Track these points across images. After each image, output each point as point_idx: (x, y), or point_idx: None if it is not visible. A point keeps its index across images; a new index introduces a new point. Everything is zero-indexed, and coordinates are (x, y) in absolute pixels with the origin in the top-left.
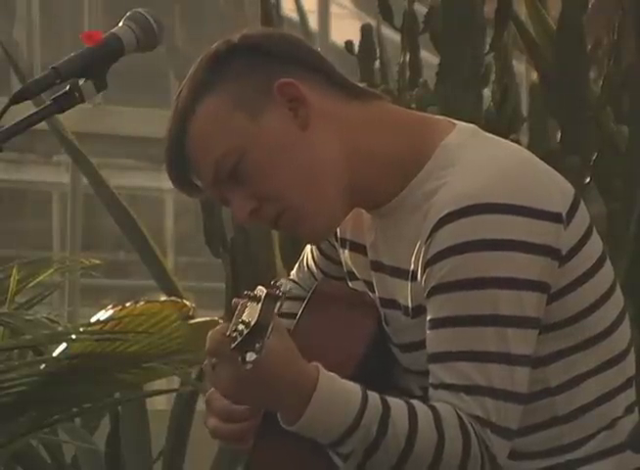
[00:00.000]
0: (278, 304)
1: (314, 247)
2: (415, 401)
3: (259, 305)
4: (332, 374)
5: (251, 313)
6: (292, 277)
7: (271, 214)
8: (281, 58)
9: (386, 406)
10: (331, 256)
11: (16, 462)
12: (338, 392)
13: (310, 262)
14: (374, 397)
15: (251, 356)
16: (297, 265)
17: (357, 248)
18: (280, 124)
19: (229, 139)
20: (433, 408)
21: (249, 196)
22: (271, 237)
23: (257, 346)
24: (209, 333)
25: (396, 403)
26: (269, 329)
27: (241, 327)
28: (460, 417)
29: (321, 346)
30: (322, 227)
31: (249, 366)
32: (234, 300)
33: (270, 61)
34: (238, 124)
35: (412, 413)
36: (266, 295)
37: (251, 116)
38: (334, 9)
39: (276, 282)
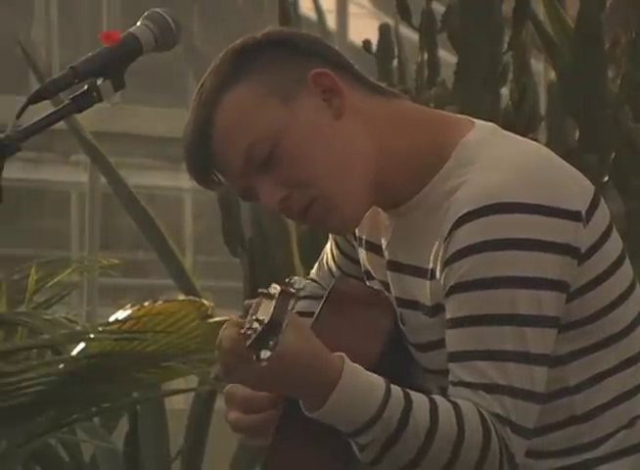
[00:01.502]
0: (292, 301)
1: (334, 246)
2: (437, 397)
3: (273, 302)
4: (356, 365)
5: (265, 311)
6: (311, 276)
7: (301, 203)
8: (305, 52)
9: (408, 400)
10: (350, 254)
11: (34, 461)
12: (362, 382)
13: (330, 261)
14: (397, 390)
15: (265, 354)
16: (316, 264)
17: (373, 248)
18: (314, 112)
19: (262, 126)
20: (455, 405)
21: (279, 183)
22: (289, 236)
23: (271, 343)
24: (222, 331)
25: (419, 398)
26: (283, 326)
27: (255, 325)
28: (482, 414)
29: (338, 344)
30: (351, 218)
31: (263, 364)
32: (246, 301)
33: (296, 54)
34: (272, 110)
35: (434, 408)
36: (280, 292)
37: (284, 102)
38: (352, 8)
39: (290, 280)
